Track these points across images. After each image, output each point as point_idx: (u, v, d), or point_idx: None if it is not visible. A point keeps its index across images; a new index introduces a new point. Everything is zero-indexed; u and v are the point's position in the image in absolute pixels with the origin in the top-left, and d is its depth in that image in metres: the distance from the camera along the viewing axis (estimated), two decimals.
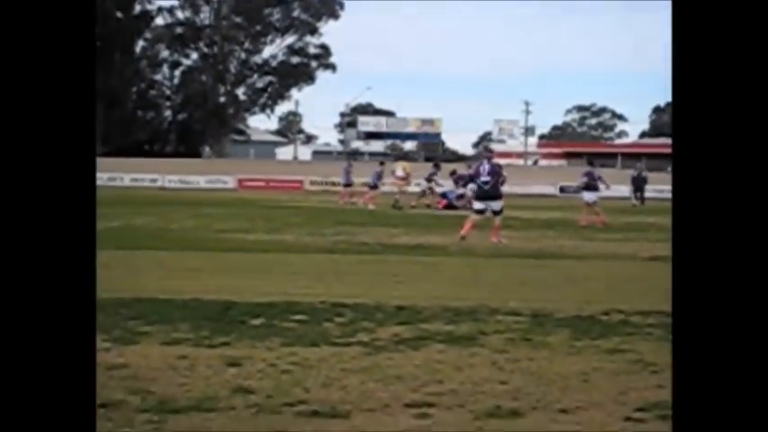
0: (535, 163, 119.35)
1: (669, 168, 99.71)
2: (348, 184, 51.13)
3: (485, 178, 25.97)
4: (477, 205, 26.30)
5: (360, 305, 12.63)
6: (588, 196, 35.82)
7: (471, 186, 28.82)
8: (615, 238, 26.77)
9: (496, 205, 25.85)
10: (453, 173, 48.72)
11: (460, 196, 45.69)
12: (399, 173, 46.88)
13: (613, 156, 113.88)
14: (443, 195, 46.36)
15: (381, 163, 53.27)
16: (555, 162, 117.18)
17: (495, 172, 26.16)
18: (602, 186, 35.72)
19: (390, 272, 17.02)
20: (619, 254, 21.97)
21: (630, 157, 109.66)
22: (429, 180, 48.10)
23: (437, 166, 49.58)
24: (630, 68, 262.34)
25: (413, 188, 50.73)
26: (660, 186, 59.89)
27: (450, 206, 44.20)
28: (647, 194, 56.88)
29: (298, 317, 11.73)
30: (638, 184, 57.57)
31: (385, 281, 15.70)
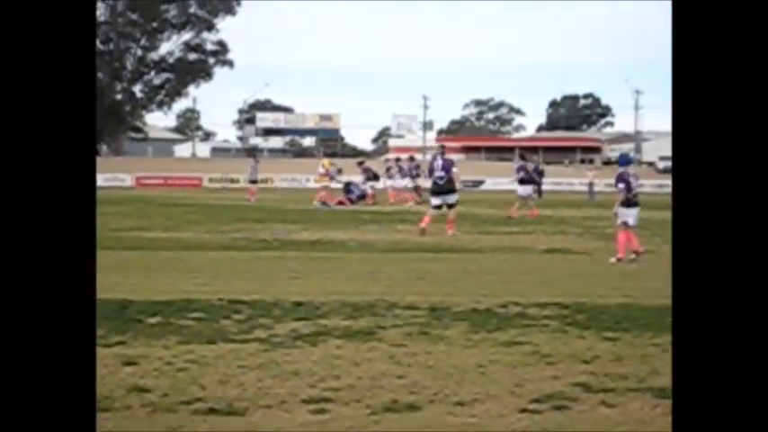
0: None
1: (566, 161, 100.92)
2: (254, 181, 50.90)
3: (439, 173, 26.51)
4: (435, 201, 26.64)
5: (257, 302, 12.61)
6: (523, 190, 36.93)
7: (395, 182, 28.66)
8: (512, 231, 26.99)
9: (452, 199, 26.50)
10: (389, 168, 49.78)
11: (362, 196, 45.92)
12: (321, 170, 47.03)
13: (511, 149, 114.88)
14: (347, 190, 46.41)
15: (256, 160, 53.63)
16: (453, 156, 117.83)
17: (447, 167, 26.74)
18: (537, 178, 36.72)
19: (289, 268, 16.98)
20: (516, 246, 22.16)
21: (527, 150, 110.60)
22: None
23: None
24: (527, 62, 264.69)
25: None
26: (557, 179, 60.47)
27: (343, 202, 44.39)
28: (543, 187, 57.43)
29: (195, 314, 11.68)
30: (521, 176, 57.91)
31: (283, 277, 15.66)
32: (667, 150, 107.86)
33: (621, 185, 19.60)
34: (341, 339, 10.27)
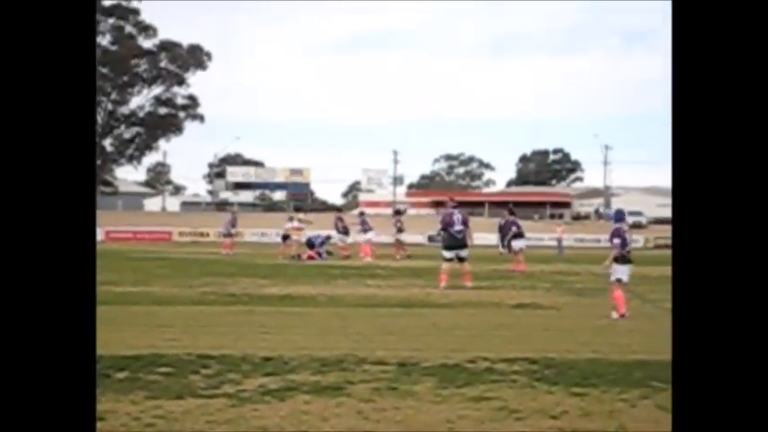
0: (404, 212, 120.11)
1: (536, 216, 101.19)
2: (228, 234, 50.59)
3: (459, 227, 26.98)
4: (448, 254, 26.92)
5: (226, 356, 12.58)
6: (518, 244, 37.31)
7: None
8: (482, 286, 26.97)
9: (464, 253, 26.95)
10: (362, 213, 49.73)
11: (323, 242, 45.85)
12: (295, 223, 47.03)
13: (481, 204, 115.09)
14: (309, 244, 46.33)
15: (233, 213, 53.32)
16: (423, 211, 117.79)
17: (466, 221, 27.28)
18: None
19: (258, 323, 16.95)
20: (485, 302, 22.17)
21: (498, 205, 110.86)
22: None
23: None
24: (497, 117, 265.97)
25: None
26: (528, 234, 60.47)
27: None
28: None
29: (163, 369, 11.64)
30: (506, 232, 58.06)
31: (252, 332, 15.63)
32: (636, 206, 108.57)
33: (617, 241, 19.53)
34: (309, 395, 10.25)
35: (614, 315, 18.85)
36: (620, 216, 20.63)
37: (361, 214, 49.89)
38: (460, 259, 27.03)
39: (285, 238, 47.88)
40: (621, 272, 19.54)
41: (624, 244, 19.71)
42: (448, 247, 27.22)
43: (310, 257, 43.95)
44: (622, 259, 19.63)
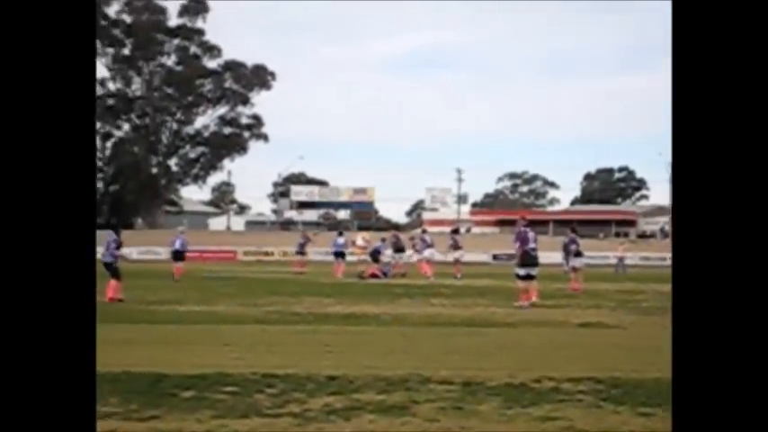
0: (468, 231, 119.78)
1: (600, 234, 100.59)
2: (301, 253, 50.48)
3: (533, 245, 27.44)
4: (522, 271, 27.18)
5: (291, 376, 12.58)
6: (576, 262, 37.17)
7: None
8: (547, 305, 26.84)
9: (535, 271, 27.34)
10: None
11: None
12: (360, 242, 47.30)
13: (545, 223, 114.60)
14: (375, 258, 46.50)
15: (341, 233, 53.18)
16: (487, 230, 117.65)
17: (536, 239, 27.90)
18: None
19: (322, 341, 16.96)
20: (550, 321, 22.05)
21: (562, 223, 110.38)
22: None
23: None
24: (561, 135, 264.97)
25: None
26: (591, 253, 60.13)
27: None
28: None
29: (229, 388, 11.66)
30: (568, 250, 57.67)
31: (317, 351, 15.64)
32: None
33: None
34: (374, 414, 10.23)
35: None
36: None
37: (423, 232, 50.02)
38: (533, 277, 27.22)
39: (338, 255, 47.94)
40: None
41: None
42: (523, 265, 27.35)
43: (373, 275, 44.00)
44: None
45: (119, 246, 29.18)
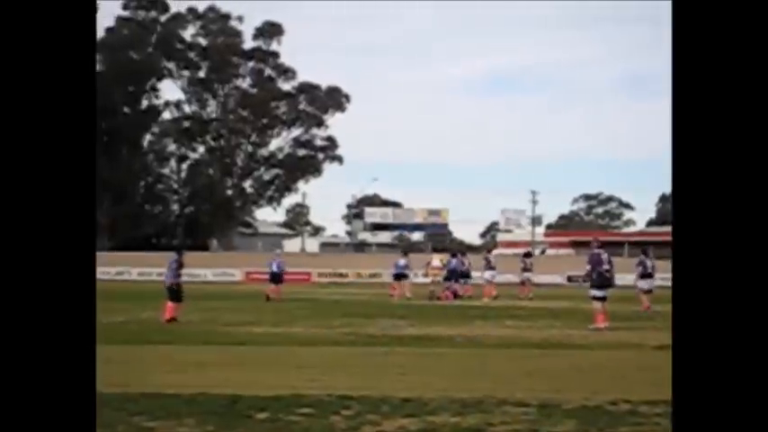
0: (542, 252, 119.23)
1: None
2: (401, 276, 49.27)
3: (606, 266, 27.33)
4: (598, 293, 27.01)
5: (366, 397, 12.58)
6: (642, 284, 37.32)
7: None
8: (623, 327, 26.64)
9: (609, 292, 27.25)
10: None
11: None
12: (436, 263, 47.42)
13: (620, 244, 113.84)
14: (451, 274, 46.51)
15: (405, 254, 52.59)
16: (562, 251, 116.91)
17: (611, 261, 27.78)
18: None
19: (397, 363, 16.97)
20: (626, 343, 21.88)
21: (637, 245, 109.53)
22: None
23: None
24: (636, 157, 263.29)
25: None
26: (666, 275, 59.58)
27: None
28: (656, 282, 56.60)
29: (304, 410, 11.68)
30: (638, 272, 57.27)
31: (391, 372, 15.64)
32: None
33: None
34: None
35: None
36: None
37: (488, 252, 50.26)
38: (605, 299, 27.09)
39: (400, 277, 47.77)
40: None
41: None
42: (598, 287, 27.21)
43: (447, 297, 44.00)
44: None
45: (179, 267, 29.36)
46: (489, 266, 47.51)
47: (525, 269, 48.58)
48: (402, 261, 48.75)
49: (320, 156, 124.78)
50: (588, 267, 27.89)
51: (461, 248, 55.71)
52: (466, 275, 47.54)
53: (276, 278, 46.51)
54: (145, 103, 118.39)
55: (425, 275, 51.14)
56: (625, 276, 50.61)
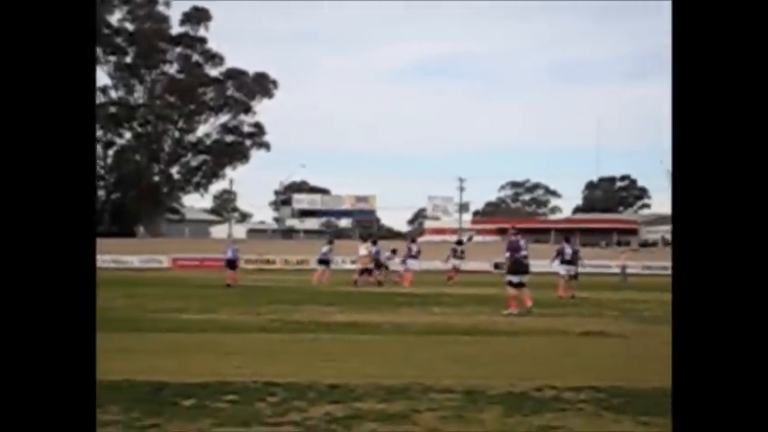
0: (469, 239, 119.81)
1: (603, 243, 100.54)
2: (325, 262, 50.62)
3: (525, 252, 27.98)
4: (515, 279, 27.59)
5: (292, 384, 12.57)
6: (560, 270, 38.53)
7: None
8: (549, 314, 26.86)
9: (526, 278, 27.81)
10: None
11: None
12: (363, 251, 47.77)
13: (547, 231, 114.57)
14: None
15: (330, 241, 53.81)
16: (489, 238, 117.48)
17: (528, 247, 28.55)
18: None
19: (324, 350, 16.96)
20: (552, 329, 22.04)
21: (564, 232, 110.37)
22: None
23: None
24: (563, 144, 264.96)
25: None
26: (593, 262, 60.17)
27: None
28: (580, 269, 57.14)
29: (230, 397, 11.65)
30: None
31: (318, 359, 15.63)
32: None
33: None
34: (376, 423, 10.21)
35: None
36: None
37: (412, 241, 50.79)
38: (523, 285, 27.62)
39: (322, 263, 48.76)
40: None
41: None
42: (514, 272, 27.73)
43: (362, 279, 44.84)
44: None
45: None
46: (411, 255, 48.14)
47: (456, 256, 49.29)
48: (325, 248, 49.62)
49: (248, 142, 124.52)
50: (507, 254, 28.25)
51: (375, 237, 56.21)
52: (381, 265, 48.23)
53: (232, 264, 47.57)
54: None
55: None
56: (552, 263, 51.18)
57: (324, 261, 50.30)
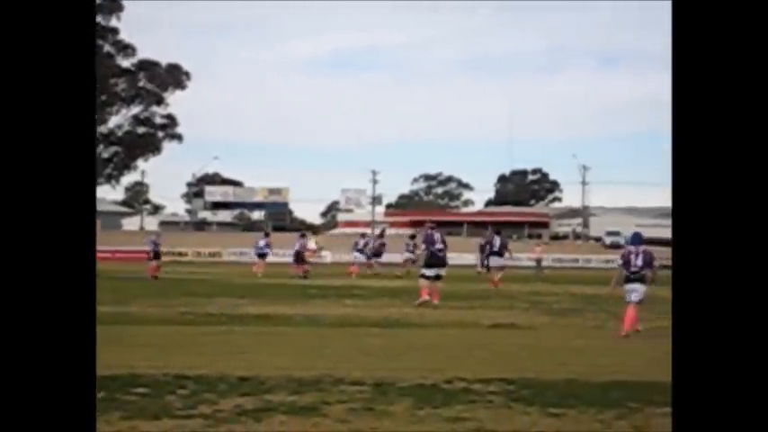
0: (383, 232, 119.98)
1: (514, 236, 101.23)
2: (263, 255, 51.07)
3: (439, 246, 28.09)
4: (429, 272, 27.75)
5: (202, 377, 12.54)
6: (494, 261, 40.00)
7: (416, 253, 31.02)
8: (459, 306, 27.02)
9: (443, 271, 28.18)
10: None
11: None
12: (311, 245, 48.53)
13: (460, 224, 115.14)
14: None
15: (267, 234, 54.35)
16: (402, 231, 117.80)
17: (445, 241, 28.60)
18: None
19: (235, 342, 16.94)
20: (463, 322, 22.19)
21: (476, 225, 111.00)
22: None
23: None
24: (476, 138, 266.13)
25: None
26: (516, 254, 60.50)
27: None
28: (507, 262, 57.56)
29: (140, 390, 11.60)
30: (484, 251, 58.27)
31: (229, 352, 15.61)
32: (613, 225, 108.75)
33: (619, 262, 20.70)
34: (286, 415, 10.23)
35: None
36: (633, 239, 21.29)
37: (362, 236, 51.64)
38: (439, 278, 27.89)
39: (261, 256, 49.02)
40: (626, 291, 20.14)
41: (626, 264, 20.17)
42: (428, 265, 27.90)
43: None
44: (626, 279, 20.16)
45: None
46: (357, 248, 49.39)
47: (408, 250, 50.41)
48: (262, 241, 50.07)
49: (160, 134, 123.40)
50: (422, 247, 28.59)
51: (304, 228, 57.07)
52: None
53: (156, 256, 48.10)
54: None
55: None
56: (463, 255, 51.39)
57: (261, 255, 50.89)
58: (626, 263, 20.16)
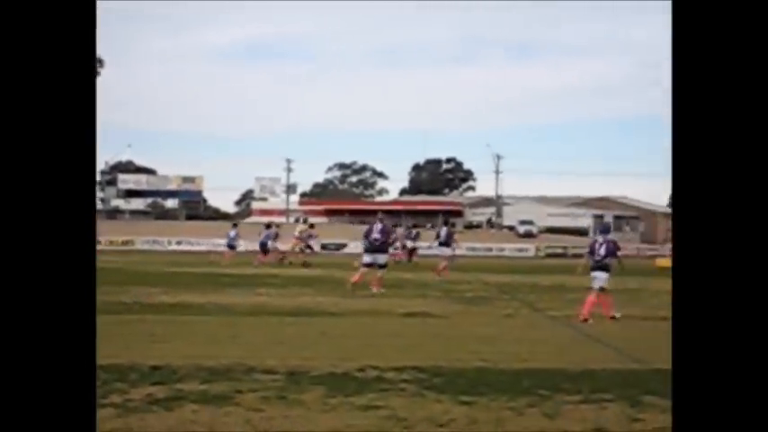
0: (297, 220, 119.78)
1: (428, 225, 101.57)
2: (232, 247, 50.59)
3: (376, 235, 29.79)
4: (366, 258, 29.68)
5: (113, 366, 12.44)
6: (441, 251, 42.09)
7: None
8: (373, 295, 27.06)
9: (382, 259, 29.70)
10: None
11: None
12: (296, 233, 49.10)
13: (374, 213, 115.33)
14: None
15: (235, 224, 54.34)
16: (316, 219, 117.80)
17: (386, 231, 30.71)
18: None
19: (147, 331, 16.83)
20: (376, 310, 22.23)
21: (391, 214, 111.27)
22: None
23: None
24: (390, 126, 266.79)
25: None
26: (418, 243, 60.62)
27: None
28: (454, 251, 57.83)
29: None
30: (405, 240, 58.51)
31: (141, 341, 15.52)
32: (526, 215, 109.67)
33: (587, 251, 22.26)
34: (197, 404, 10.20)
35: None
36: (601, 230, 23.53)
37: (311, 227, 51.88)
38: (380, 266, 29.58)
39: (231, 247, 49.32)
40: (591, 278, 21.57)
41: (591, 253, 21.68)
42: (366, 251, 29.96)
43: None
44: (591, 267, 21.56)
45: None
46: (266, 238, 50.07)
47: (410, 237, 52.00)
48: (232, 232, 50.16)
49: None
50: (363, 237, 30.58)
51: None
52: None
53: None
54: None
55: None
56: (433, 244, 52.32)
57: (231, 246, 50.76)
58: (591, 251, 21.65)
